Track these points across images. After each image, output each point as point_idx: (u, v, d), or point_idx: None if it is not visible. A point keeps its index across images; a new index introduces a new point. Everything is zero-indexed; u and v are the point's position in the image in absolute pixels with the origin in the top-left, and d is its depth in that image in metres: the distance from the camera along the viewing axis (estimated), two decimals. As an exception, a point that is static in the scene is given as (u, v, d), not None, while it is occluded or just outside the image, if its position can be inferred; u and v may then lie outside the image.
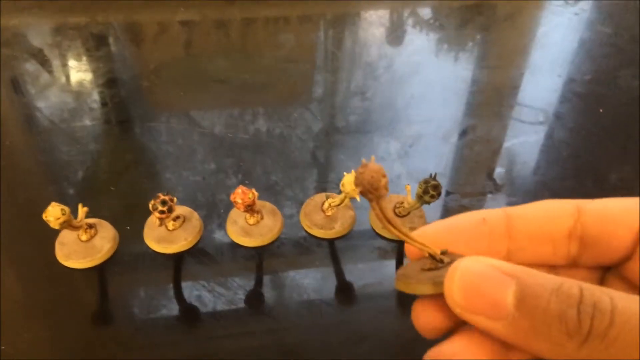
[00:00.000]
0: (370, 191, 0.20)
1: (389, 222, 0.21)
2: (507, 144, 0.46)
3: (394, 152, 0.44)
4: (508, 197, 0.41)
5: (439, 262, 0.22)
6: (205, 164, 0.43)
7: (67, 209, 0.32)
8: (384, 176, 0.20)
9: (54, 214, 0.31)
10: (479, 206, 0.40)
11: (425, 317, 0.22)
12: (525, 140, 0.46)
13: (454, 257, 0.22)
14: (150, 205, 0.33)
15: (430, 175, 0.34)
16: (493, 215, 0.22)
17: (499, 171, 0.43)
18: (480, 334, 0.22)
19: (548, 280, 0.18)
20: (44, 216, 0.31)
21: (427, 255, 0.22)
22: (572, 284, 0.18)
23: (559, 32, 0.61)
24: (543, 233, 0.22)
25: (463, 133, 0.46)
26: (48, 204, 0.38)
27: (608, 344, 0.17)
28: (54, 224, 0.31)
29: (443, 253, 0.22)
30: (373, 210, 0.21)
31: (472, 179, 0.42)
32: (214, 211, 0.39)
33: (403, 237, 0.21)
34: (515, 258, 0.22)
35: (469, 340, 0.22)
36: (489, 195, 0.41)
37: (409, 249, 0.23)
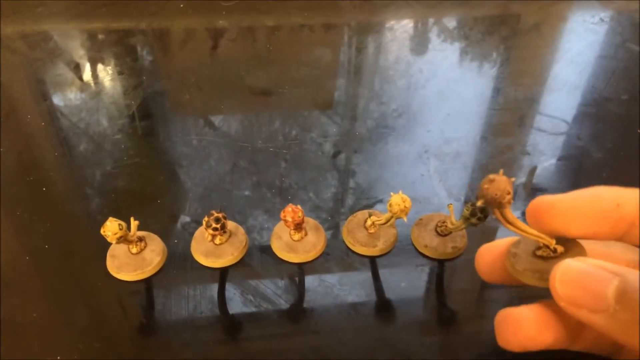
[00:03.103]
0: (495, 204, 0.22)
1: (512, 224, 0.24)
2: (543, 163, 0.46)
3: (420, 165, 0.45)
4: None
5: (552, 251, 0.24)
6: (246, 179, 0.44)
7: (124, 224, 0.32)
8: (509, 193, 0.21)
9: (112, 229, 0.32)
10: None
11: (485, 264, 0.28)
12: (560, 160, 0.46)
13: (568, 247, 0.24)
14: (204, 222, 0.34)
15: (477, 197, 0.34)
16: (629, 202, 0.24)
17: (536, 190, 0.43)
18: (554, 313, 0.25)
19: None
20: (102, 231, 0.32)
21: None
22: None
23: (590, 48, 0.62)
24: None
25: (497, 150, 0.47)
26: (93, 218, 0.39)
27: None
28: (111, 239, 0.32)
29: (558, 243, 0.24)
30: (494, 214, 0.23)
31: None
32: (258, 225, 0.40)
33: (525, 235, 0.24)
34: None
35: (541, 315, 0.25)
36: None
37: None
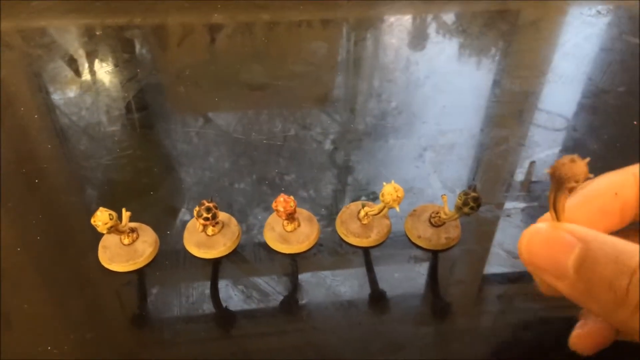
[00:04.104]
0: (559, 182, 0.21)
1: (555, 209, 0.22)
2: (539, 154, 0.46)
3: (416, 158, 0.45)
4: (544, 209, 0.41)
5: None
6: (243, 172, 0.44)
7: (114, 214, 0.32)
8: (577, 181, 0.21)
9: (102, 219, 0.32)
10: (515, 217, 0.40)
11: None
12: (557, 151, 0.46)
13: None
14: (195, 212, 0.33)
15: (469, 186, 0.34)
16: (626, 186, 0.24)
17: (532, 183, 0.43)
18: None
19: (613, 248, 0.20)
20: (92, 221, 0.32)
21: None
22: (633, 254, 0.19)
23: (588, 40, 0.61)
24: None
25: (493, 142, 0.47)
26: (86, 210, 0.39)
27: None
28: (101, 229, 0.32)
29: None
30: (550, 193, 0.22)
31: (504, 189, 0.42)
32: (251, 217, 0.40)
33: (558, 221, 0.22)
34: None
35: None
36: (525, 207, 0.41)
37: None
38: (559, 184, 0.21)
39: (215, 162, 0.44)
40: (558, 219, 0.22)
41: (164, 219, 0.39)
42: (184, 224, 0.39)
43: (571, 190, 0.21)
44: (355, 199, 0.41)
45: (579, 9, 0.67)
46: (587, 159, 0.21)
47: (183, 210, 0.40)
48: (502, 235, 0.39)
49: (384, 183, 0.34)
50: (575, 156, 0.21)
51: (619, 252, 0.20)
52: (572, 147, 0.46)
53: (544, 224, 0.22)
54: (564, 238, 0.21)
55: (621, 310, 0.20)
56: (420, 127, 0.48)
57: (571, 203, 0.24)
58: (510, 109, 0.51)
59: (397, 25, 0.65)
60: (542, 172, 0.44)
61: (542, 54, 0.60)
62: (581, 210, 0.24)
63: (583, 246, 0.21)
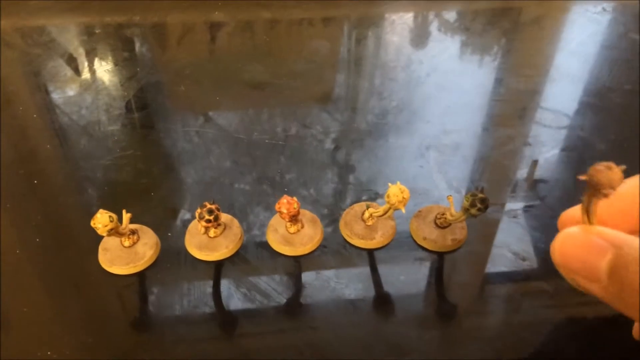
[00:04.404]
0: (595, 188, 0.21)
1: (587, 213, 0.23)
2: (545, 154, 0.45)
3: (419, 157, 0.44)
4: (550, 209, 0.40)
5: None
6: (244, 172, 0.43)
7: (114, 216, 0.32)
8: (612, 188, 0.21)
9: (102, 221, 0.31)
10: (521, 218, 0.39)
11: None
12: (562, 151, 0.45)
13: None
14: (197, 214, 0.33)
15: (477, 187, 0.33)
16: None
17: (538, 182, 0.42)
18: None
19: None
20: (92, 223, 0.31)
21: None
22: None
23: (592, 38, 0.61)
24: None
25: (498, 141, 0.46)
26: (86, 211, 0.39)
27: None
28: (101, 231, 0.31)
29: None
30: (584, 197, 0.23)
31: (510, 189, 0.42)
32: (252, 216, 0.39)
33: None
34: None
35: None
36: (531, 207, 0.40)
37: (563, 222, 0.26)
38: (595, 190, 0.22)
39: (216, 162, 0.44)
40: (590, 222, 0.23)
41: (165, 220, 0.39)
42: (185, 224, 0.38)
43: (606, 196, 0.22)
44: (357, 198, 0.41)
45: (583, 6, 0.66)
46: (623, 167, 0.21)
47: (184, 210, 0.40)
48: (509, 236, 0.38)
49: (389, 184, 0.33)
50: (611, 163, 0.21)
51: None
52: (579, 146, 0.46)
53: (576, 227, 0.22)
54: (597, 242, 0.21)
55: None
56: (422, 126, 0.48)
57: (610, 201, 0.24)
58: (514, 108, 0.50)
59: (399, 23, 0.64)
60: (548, 172, 0.43)
61: (546, 52, 0.60)
62: (603, 211, 0.24)
63: (615, 251, 0.21)
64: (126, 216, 0.34)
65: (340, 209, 0.40)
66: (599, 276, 0.21)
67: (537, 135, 0.47)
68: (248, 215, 0.39)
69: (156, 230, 0.38)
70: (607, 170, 0.21)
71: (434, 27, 0.63)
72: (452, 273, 0.36)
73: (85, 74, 0.54)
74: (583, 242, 0.22)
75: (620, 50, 0.59)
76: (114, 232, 0.32)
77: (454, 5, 0.67)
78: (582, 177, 0.22)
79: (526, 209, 0.40)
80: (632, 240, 0.21)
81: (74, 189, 0.42)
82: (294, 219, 0.35)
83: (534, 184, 0.42)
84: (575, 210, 0.26)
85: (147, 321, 0.33)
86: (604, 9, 0.65)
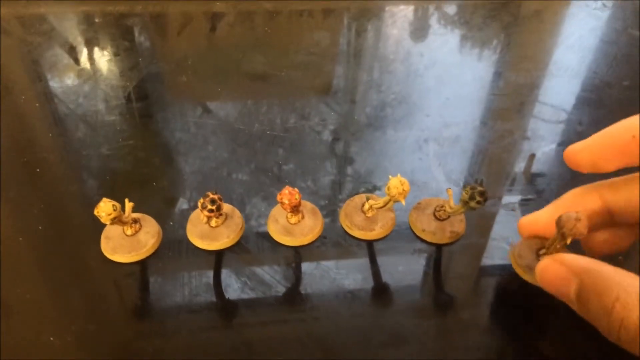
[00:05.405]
0: (562, 235, 0.27)
1: (550, 249, 0.30)
2: (543, 148, 0.45)
3: (418, 150, 0.45)
4: (547, 203, 0.41)
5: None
6: (243, 163, 0.43)
7: (118, 204, 0.32)
8: (576, 238, 0.27)
9: (105, 209, 0.31)
10: (520, 211, 0.40)
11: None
12: (560, 145, 0.46)
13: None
14: (199, 204, 0.33)
15: (476, 180, 0.34)
16: None
17: (536, 176, 0.43)
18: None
19: (601, 281, 0.24)
20: (95, 212, 0.32)
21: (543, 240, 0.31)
22: (613, 289, 0.24)
23: (592, 33, 0.61)
24: None
25: (497, 135, 0.46)
26: (88, 200, 0.39)
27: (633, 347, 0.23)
28: (105, 220, 0.32)
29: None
30: (553, 238, 0.29)
31: (509, 183, 0.42)
32: (250, 207, 0.39)
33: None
34: None
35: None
36: (529, 201, 0.41)
37: (522, 230, 0.33)
38: (563, 236, 0.26)
39: (215, 152, 0.44)
40: (551, 253, 0.28)
41: (165, 209, 0.39)
42: (185, 214, 0.38)
43: (567, 243, 0.27)
44: (355, 190, 0.41)
45: (583, 1, 0.66)
46: (587, 221, 0.26)
47: (184, 200, 0.40)
48: (506, 229, 0.38)
49: (390, 176, 0.33)
50: (580, 215, 0.26)
51: (604, 287, 0.24)
52: (576, 141, 0.46)
53: (548, 259, 0.27)
54: (565, 274, 0.26)
55: (611, 338, 0.24)
56: (421, 119, 0.48)
57: (591, 143, 0.29)
58: (513, 102, 0.51)
59: (399, 15, 0.64)
60: (546, 166, 0.44)
61: (545, 46, 0.60)
62: (601, 152, 0.29)
63: (579, 280, 0.25)
64: (129, 205, 0.35)
65: (339, 201, 0.40)
66: (571, 301, 0.26)
67: (536, 129, 0.47)
68: (246, 205, 0.40)
69: (158, 219, 0.38)
70: (575, 222, 0.25)
71: (434, 20, 0.64)
72: (450, 264, 0.37)
73: (85, 64, 0.54)
74: (554, 274, 0.27)
75: (620, 45, 0.59)
76: (117, 220, 0.32)
77: (454, -1, 0.67)
78: (560, 233, 0.27)
79: (523, 202, 0.41)
80: (595, 269, 0.25)
81: (75, 178, 0.42)
82: (295, 209, 0.35)
83: (531, 177, 0.43)
84: (533, 218, 0.33)
85: (148, 309, 0.34)
86: (604, 5, 0.66)
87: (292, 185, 0.35)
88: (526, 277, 0.32)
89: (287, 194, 0.33)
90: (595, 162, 0.29)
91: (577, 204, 0.30)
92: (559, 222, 0.26)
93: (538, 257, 0.32)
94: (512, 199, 0.41)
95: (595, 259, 0.26)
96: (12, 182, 0.41)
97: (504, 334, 0.33)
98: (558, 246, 0.29)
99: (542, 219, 0.32)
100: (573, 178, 0.43)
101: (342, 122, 0.48)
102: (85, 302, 0.34)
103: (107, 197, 0.33)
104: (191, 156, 0.44)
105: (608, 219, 0.30)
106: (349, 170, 0.43)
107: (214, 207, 0.33)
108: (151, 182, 0.41)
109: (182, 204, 0.40)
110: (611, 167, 0.29)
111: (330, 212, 0.39)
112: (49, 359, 0.31)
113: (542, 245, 0.32)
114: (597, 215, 0.30)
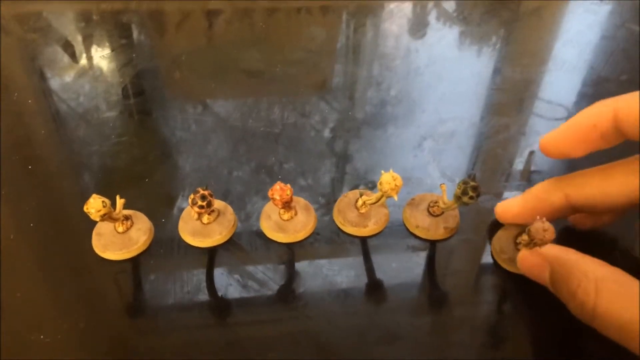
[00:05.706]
0: (533, 242, 0.29)
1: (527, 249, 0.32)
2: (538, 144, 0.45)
3: (416, 147, 0.44)
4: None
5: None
6: (240, 160, 0.43)
7: (107, 201, 0.32)
8: (544, 244, 0.29)
9: (95, 206, 0.31)
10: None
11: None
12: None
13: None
14: (190, 200, 0.33)
15: (469, 175, 0.33)
16: (602, 118, 0.29)
17: (532, 173, 0.43)
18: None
19: (566, 269, 0.29)
20: (85, 208, 0.31)
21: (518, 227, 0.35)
22: (574, 278, 0.28)
23: (590, 28, 0.61)
24: None
25: (493, 130, 0.46)
26: (82, 196, 0.39)
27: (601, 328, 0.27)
28: (94, 216, 0.31)
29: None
30: (527, 243, 0.32)
31: (504, 179, 0.42)
32: (249, 205, 0.39)
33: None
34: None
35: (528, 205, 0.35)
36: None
37: (498, 215, 0.37)
38: (533, 243, 0.29)
39: (213, 150, 0.44)
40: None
41: (160, 207, 0.39)
42: (181, 211, 0.38)
43: (537, 246, 0.30)
44: (354, 187, 0.41)
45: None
46: (552, 228, 0.29)
47: (179, 197, 0.40)
48: (501, 225, 0.38)
49: (382, 172, 0.33)
50: (547, 226, 0.29)
51: (569, 273, 0.28)
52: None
53: (522, 253, 0.32)
54: (540, 261, 0.30)
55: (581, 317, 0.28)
56: (419, 116, 0.48)
57: (558, 133, 0.32)
58: (511, 98, 0.50)
59: (397, 12, 0.64)
60: (543, 163, 0.43)
61: (544, 42, 0.59)
62: (566, 140, 0.31)
63: (551, 268, 0.30)
64: (120, 201, 0.34)
65: (337, 198, 0.40)
66: (548, 285, 0.30)
67: (533, 125, 0.47)
68: (246, 204, 0.39)
69: (151, 216, 0.38)
70: (543, 232, 0.28)
71: (432, 16, 0.63)
72: (444, 261, 0.36)
73: (82, 60, 0.54)
74: (531, 262, 0.31)
75: (618, 40, 0.59)
76: (107, 217, 0.32)
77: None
78: (528, 240, 0.30)
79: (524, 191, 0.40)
80: (563, 257, 0.29)
81: (70, 175, 0.42)
82: (287, 205, 0.35)
83: (528, 174, 0.42)
84: (507, 204, 0.36)
85: (140, 306, 0.34)
86: (602, 0, 0.65)
87: (291, 183, 0.35)
88: (511, 269, 0.35)
89: (279, 190, 0.33)
90: (563, 150, 0.31)
91: (543, 200, 0.33)
92: (529, 233, 0.29)
93: (516, 246, 0.35)
94: (507, 195, 0.40)
95: (565, 247, 0.30)
96: (6, 179, 0.41)
97: (499, 331, 0.33)
98: (529, 248, 0.32)
99: (513, 209, 0.35)
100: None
101: (340, 119, 0.47)
102: (76, 299, 0.34)
103: (101, 194, 0.33)
104: (187, 153, 0.44)
105: (573, 211, 0.34)
106: (348, 167, 0.43)
107: (204, 203, 0.32)
108: (144, 179, 0.41)
109: (177, 202, 0.39)
110: (578, 153, 0.31)
111: (328, 209, 0.39)
112: (39, 357, 0.31)
113: (518, 233, 0.35)
114: (563, 209, 0.33)
